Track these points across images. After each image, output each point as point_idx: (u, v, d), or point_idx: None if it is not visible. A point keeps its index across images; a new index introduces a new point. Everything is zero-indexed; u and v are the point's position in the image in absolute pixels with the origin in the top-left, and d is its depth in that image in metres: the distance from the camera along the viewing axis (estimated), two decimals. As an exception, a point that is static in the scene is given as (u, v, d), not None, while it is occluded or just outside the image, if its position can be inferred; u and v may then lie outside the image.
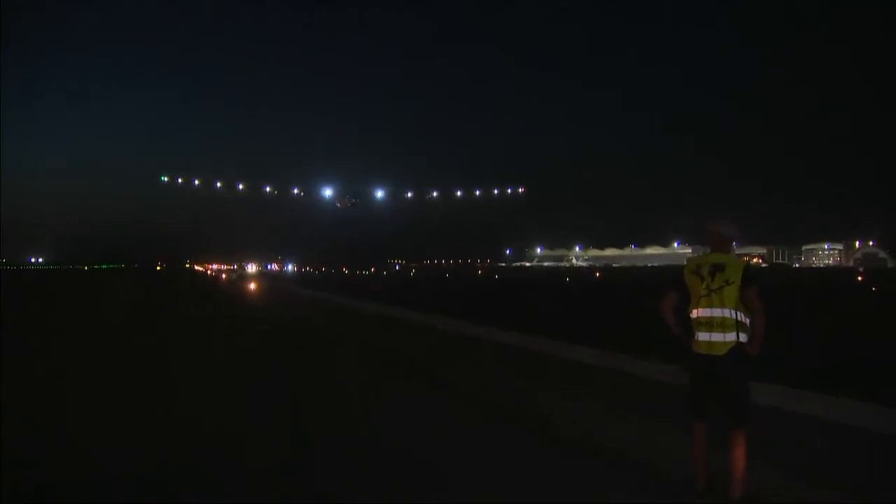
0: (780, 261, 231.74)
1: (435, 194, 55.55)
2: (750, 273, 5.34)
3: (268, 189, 60.20)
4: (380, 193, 61.23)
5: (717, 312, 5.31)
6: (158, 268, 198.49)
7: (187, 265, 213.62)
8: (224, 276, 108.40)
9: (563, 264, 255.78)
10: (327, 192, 57.67)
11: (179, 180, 57.31)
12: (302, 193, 58.51)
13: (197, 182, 55.55)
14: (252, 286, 53.71)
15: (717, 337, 5.30)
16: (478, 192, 56.10)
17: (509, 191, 56.91)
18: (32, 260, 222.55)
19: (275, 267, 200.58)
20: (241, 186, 57.40)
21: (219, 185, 55.43)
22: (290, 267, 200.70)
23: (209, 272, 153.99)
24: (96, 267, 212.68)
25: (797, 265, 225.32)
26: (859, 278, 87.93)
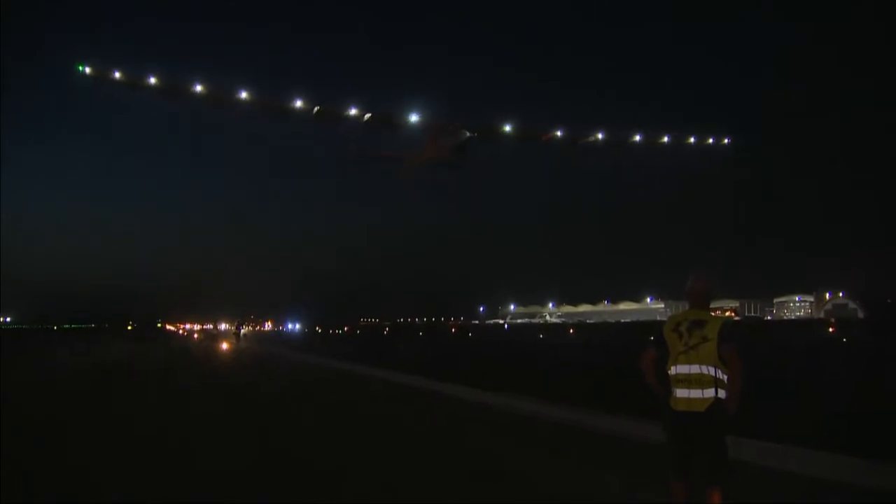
0: (753, 314, 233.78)
1: (600, 136, 33.28)
2: (727, 330, 5.34)
3: (299, 105, 31.66)
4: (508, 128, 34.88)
5: (694, 369, 5.29)
6: (129, 327, 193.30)
7: (159, 325, 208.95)
8: (196, 336, 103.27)
9: (536, 321, 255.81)
10: (413, 118, 32.39)
11: (117, 75, 30.97)
12: (367, 116, 31.78)
13: (154, 80, 30.91)
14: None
15: (695, 394, 5.26)
16: (667, 139, 34.63)
17: (711, 141, 35.95)
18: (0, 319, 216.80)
19: (269, 325, 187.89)
20: (244, 95, 28.82)
21: (199, 88, 27.39)
22: (296, 326, 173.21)
23: (181, 331, 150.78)
24: (66, 327, 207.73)
25: (769, 318, 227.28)
26: (830, 329, 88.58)
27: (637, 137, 35.93)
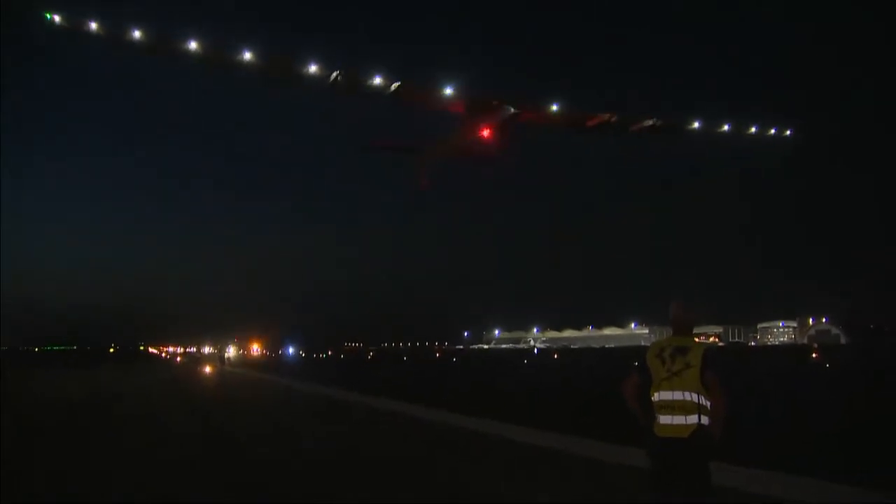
0: (737, 339, 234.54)
1: (654, 121, 28.32)
2: (709, 357, 5.34)
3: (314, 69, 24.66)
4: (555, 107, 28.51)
5: (677, 395, 5.29)
6: (112, 349, 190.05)
7: (141, 347, 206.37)
8: (179, 359, 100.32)
9: (521, 346, 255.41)
10: (448, 91, 25.69)
11: (94, 27, 22.90)
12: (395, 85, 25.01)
13: (139, 34, 23.20)
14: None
15: (679, 420, 5.26)
16: (727, 127, 29.87)
17: (773, 131, 31.02)
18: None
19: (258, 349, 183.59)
20: (247, 56, 23.98)
21: (194, 46, 22.58)
22: (282, 350, 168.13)
23: (164, 354, 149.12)
24: (47, 349, 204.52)
25: (753, 343, 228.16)
26: (813, 355, 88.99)
27: (696, 124, 31.68)
